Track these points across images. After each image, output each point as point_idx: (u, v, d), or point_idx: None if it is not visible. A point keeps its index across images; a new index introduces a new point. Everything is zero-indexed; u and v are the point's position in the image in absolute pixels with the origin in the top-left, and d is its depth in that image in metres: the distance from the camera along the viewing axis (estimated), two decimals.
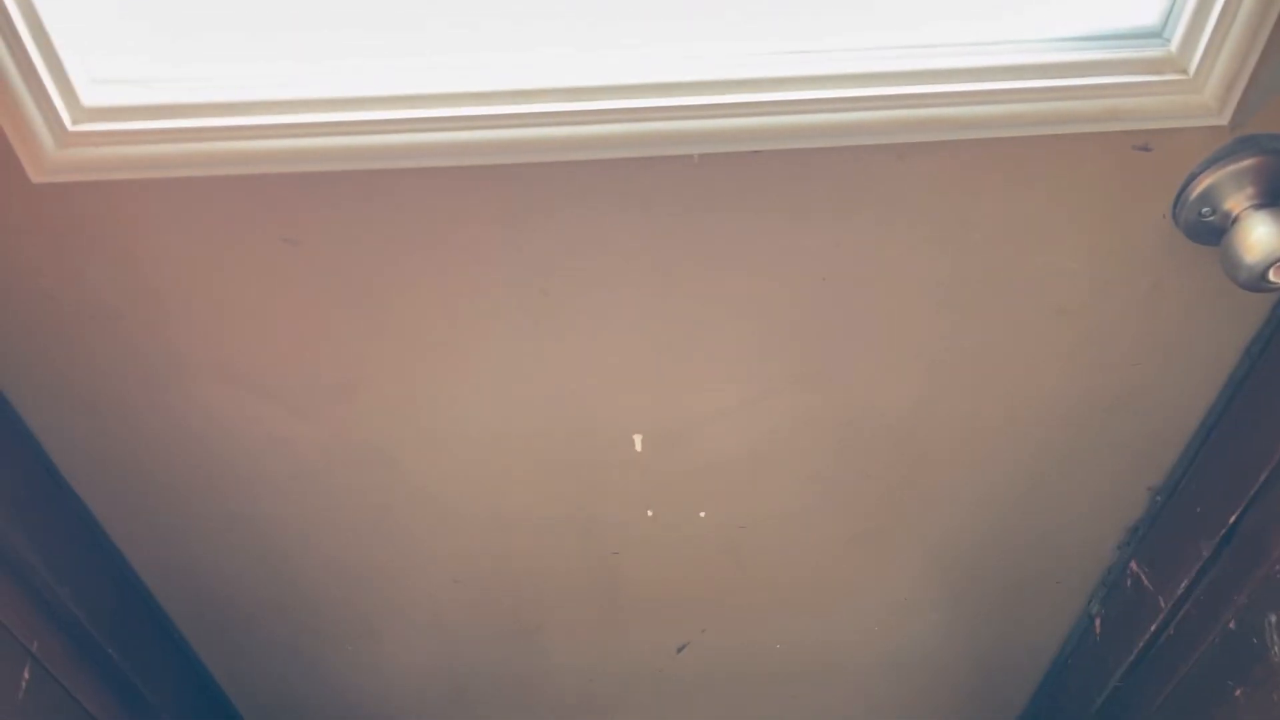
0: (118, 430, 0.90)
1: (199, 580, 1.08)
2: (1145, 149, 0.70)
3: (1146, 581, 1.06)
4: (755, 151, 0.68)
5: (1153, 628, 1.06)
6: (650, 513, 1.03)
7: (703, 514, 1.03)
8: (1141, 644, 1.09)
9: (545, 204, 0.72)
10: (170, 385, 0.86)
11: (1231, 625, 0.93)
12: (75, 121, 0.65)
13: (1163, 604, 1.03)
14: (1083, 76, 0.66)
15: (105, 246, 0.74)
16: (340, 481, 0.97)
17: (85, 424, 0.89)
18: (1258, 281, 0.70)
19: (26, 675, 0.89)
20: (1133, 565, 1.08)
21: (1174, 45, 0.65)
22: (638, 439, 0.93)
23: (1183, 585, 0.99)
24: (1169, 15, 0.65)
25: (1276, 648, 0.87)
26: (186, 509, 1.00)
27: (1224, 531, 0.91)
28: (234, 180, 0.69)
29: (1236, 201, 0.71)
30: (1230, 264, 0.70)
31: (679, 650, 1.25)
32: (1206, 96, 0.66)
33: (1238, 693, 0.93)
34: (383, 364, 0.84)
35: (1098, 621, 1.18)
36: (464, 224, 0.73)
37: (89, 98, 0.65)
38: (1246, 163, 0.70)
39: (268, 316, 0.80)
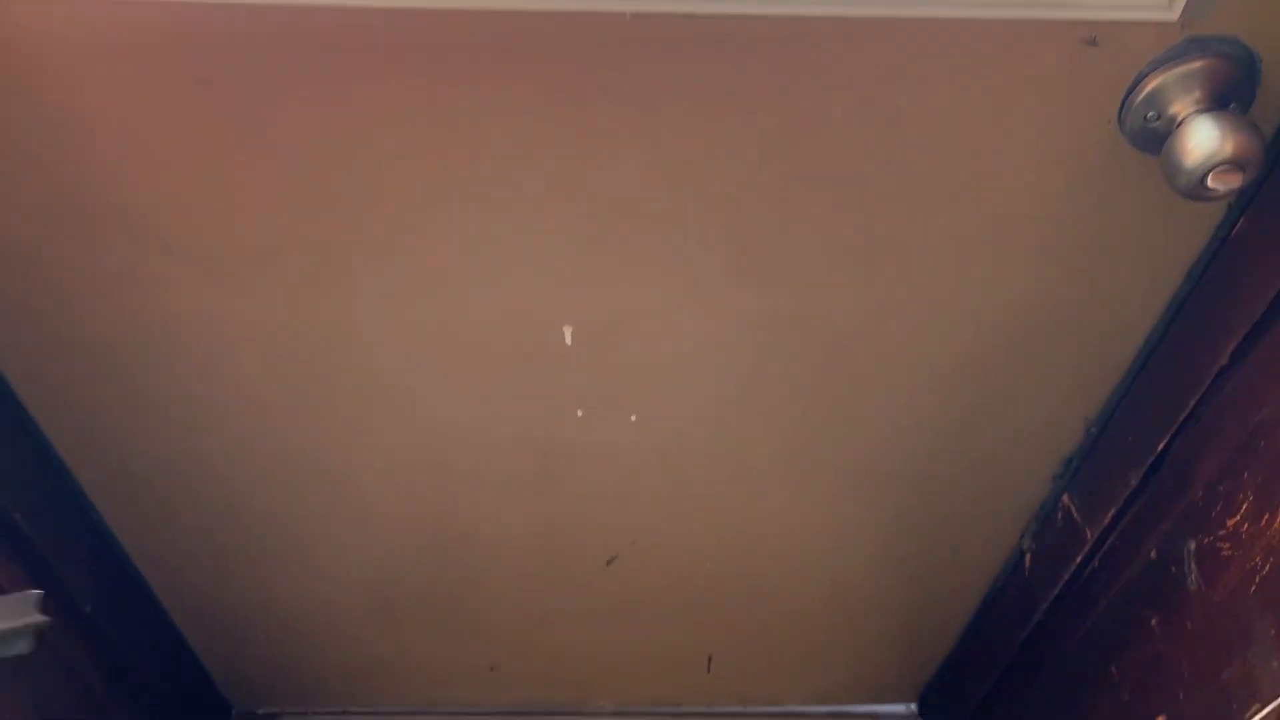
0: (31, 285, 0.87)
1: (114, 453, 1.05)
2: (1093, 43, 0.68)
3: (1076, 514, 1.06)
4: (690, 15, 0.66)
5: (1078, 560, 1.05)
6: (580, 413, 1.01)
7: (634, 418, 1.02)
8: (1067, 577, 1.08)
9: (469, 54, 0.69)
10: (82, 239, 0.83)
11: (1153, 555, 0.93)
12: None
13: (1089, 535, 1.03)
14: None
15: (17, 79, 0.70)
16: (263, 361, 0.95)
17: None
18: (1197, 188, 0.68)
19: None
20: (1064, 498, 1.08)
21: None
22: (568, 331, 0.91)
23: (1110, 516, 0.99)
24: None
25: (1193, 575, 0.87)
26: (104, 376, 0.96)
27: (1152, 459, 0.91)
28: (149, 7, 0.66)
29: (1183, 105, 0.69)
30: (1170, 169, 0.69)
31: (609, 563, 1.24)
32: None
33: (1153, 621, 0.93)
34: (302, 235, 0.82)
35: (1028, 557, 1.18)
36: (381, 76, 0.70)
37: None
38: (1195, 65, 0.68)
39: (182, 169, 0.77)
